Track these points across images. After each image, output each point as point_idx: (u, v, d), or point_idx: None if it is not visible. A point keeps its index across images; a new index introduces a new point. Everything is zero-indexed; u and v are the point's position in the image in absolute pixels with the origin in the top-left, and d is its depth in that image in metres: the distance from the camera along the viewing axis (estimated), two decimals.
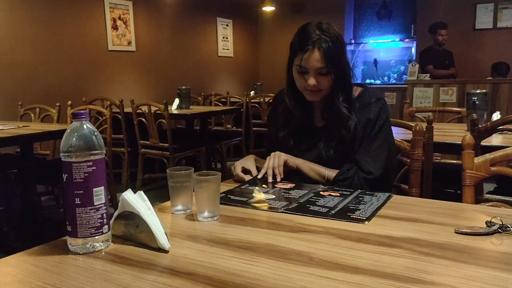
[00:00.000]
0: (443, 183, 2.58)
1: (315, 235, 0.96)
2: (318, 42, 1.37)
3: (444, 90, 4.82)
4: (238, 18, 7.06)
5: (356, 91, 1.52)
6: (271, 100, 5.22)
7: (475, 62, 5.89)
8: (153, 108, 3.93)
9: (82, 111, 0.86)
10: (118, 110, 4.13)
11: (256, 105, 5.25)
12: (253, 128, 5.27)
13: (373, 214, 1.07)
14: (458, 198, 2.51)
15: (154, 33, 5.50)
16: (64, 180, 0.85)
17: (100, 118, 3.78)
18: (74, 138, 0.85)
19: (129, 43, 5.10)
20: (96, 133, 0.87)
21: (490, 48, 5.90)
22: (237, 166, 1.45)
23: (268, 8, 6.64)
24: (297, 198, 1.22)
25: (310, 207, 1.14)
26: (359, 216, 1.06)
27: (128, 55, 5.13)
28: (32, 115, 3.67)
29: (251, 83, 6.75)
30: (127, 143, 4.17)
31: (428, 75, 5.04)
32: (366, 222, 1.02)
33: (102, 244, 0.89)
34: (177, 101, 4.49)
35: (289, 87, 1.53)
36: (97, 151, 0.86)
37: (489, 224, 0.95)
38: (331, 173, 1.44)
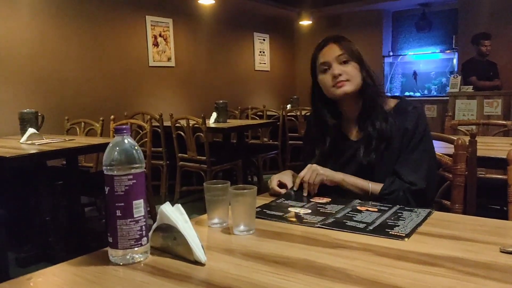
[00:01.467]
0: (488, 199, 2.47)
1: (353, 251, 0.95)
2: (333, 38, 1.47)
3: (488, 102, 4.66)
4: (275, 33, 7.13)
5: (392, 102, 1.51)
6: (307, 114, 5.22)
7: None
8: (191, 122, 4.00)
9: (123, 126, 0.89)
10: (158, 124, 4.23)
11: (293, 118, 5.26)
12: (290, 142, 5.26)
13: (413, 231, 1.04)
14: (503, 215, 2.41)
15: (192, 49, 5.63)
16: (106, 192, 0.88)
17: (140, 131, 3.89)
18: (116, 152, 0.88)
19: (169, 59, 5.24)
20: (136, 147, 0.90)
21: None
22: (273, 180, 1.46)
23: (305, 22, 6.67)
24: (334, 213, 1.21)
25: (347, 222, 1.12)
26: (398, 232, 1.03)
27: (167, 71, 5.27)
28: (77, 129, 3.83)
29: (287, 96, 6.76)
30: (165, 156, 4.27)
31: (471, 86, 4.88)
32: (406, 239, 1.00)
33: (141, 255, 0.91)
34: (214, 114, 4.55)
35: (319, 104, 1.54)
36: (137, 165, 0.89)
37: None
38: (375, 186, 1.41)
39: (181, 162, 4.22)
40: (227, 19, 6.17)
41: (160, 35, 5.09)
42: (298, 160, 5.41)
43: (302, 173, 1.42)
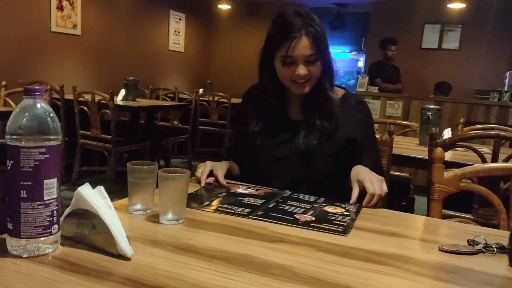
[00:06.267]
0: (394, 194, 2.60)
1: (295, 246, 0.87)
2: (304, 28, 1.29)
3: (390, 104, 4.96)
4: (192, 13, 6.88)
5: (339, 92, 1.47)
6: (220, 100, 5.11)
7: (420, 80, 6.14)
8: (97, 97, 3.68)
9: (37, 87, 0.72)
10: (58, 96, 3.83)
11: (205, 103, 5.12)
12: (200, 127, 5.12)
13: (350, 226, 1.01)
14: (408, 210, 2.54)
15: (103, 19, 5.19)
16: (9, 167, 0.70)
17: None
18: (25, 119, 0.70)
19: (75, 26, 4.77)
20: (52, 115, 0.73)
21: (435, 67, 6.18)
22: (207, 167, 1.31)
23: (224, 6, 6.52)
24: (263, 203, 1.13)
25: (280, 214, 1.05)
26: (338, 228, 0.98)
27: (72, 39, 4.80)
28: None
29: (201, 80, 6.59)
30: (64, 132, 3.87)
31: (377, 88, 5.17)
32: (347, 235, 0.95)
33: (50, 246, 0.74)
34: (123, 92, 4.26)
35: (264, 82, 1.42)
36: (52, 136, 0.72)
37: (471, 242, 0.92)
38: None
39: (82, 140, 3.87)
40: None
41: None
42: (208, 146, 5.31)
43: (369, 187, 1.19)
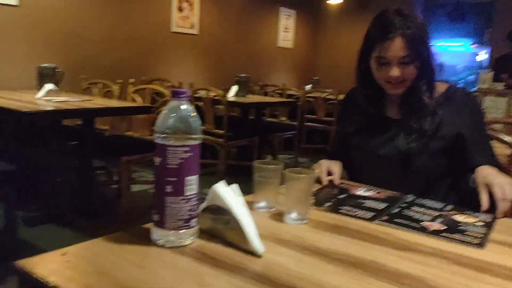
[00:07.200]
0: None
1: (425, 256, 0.83)
2: (401, 29, 1.25)
3: None
4: (302, 10, 6.89)
5: (441, 86, 1.40)
6: (327, 96, 5.07)
7: None
8: (212, 94, 3.87)
9: (183, 90, 0.77)
10: None
11: (312, 99, 5.11)
12: (306, 123, 5.13)
13: (486, 238, 0.93)
14: None
15: (217, 18, 5.44)
16: (157, 164, 0.77)
17: (158, 98, 3.76)
18: (172, 119, 0.76)
19: (193, 26, 5.07)
20: (194, 115, 0.78)
21: None
22: (323, 165, 1.33)
23: (335, 1, 6.42)
24: (386, 207, 1.10)
25: (407, 220, 1.01)
26: (472, 240, 0.91)
27: (190, 38, 5.10)
28: (94, 89, 3.70)
29: (308, 77, 6.59)
30: None
31: (503, 84, 4.70)
32: (483, 248, 0.88)
33: (189, 238, 0.80)
34: (234, 88, 4.41)
35: (360, 82, 1.42)
36: (195, 135, 0.77)
37: None
38: None
39: None
40: None
41: (185, 0, 4.91)
42: (313, 143, 5.29)
43: (497, 193, 1.10)
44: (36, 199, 2.90)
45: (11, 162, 2.39)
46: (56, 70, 3.11)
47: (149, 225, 0.82)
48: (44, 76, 3.04)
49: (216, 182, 0.86)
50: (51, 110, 2.58)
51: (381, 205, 1.12)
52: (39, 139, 2.93)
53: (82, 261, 0.74)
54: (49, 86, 2.97)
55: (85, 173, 3.07)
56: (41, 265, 0.70)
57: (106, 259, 0.74)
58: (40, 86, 3.02)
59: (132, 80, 3.63)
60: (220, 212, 0.82)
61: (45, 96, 2.91)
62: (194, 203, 0.79)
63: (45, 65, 3.09)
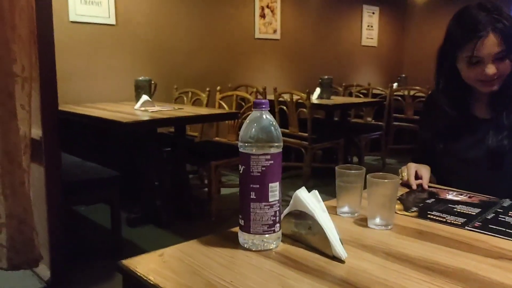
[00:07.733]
0: None
1: None
2: (491, 24, 1.19)
3: None
4: (386, 6, 6.67)
5: None
6: (416, 94, 4.85)
7: None
8: (295, 97, 3.91)
9: (263, 101, 0.81)
10: (261, 97, 4.20)
11: (399, 98, 4.92)
12: (394, 123, 4.95)
13: None
14: None
15: (298, 22, 5.47)
16: (241, 172, 0.81)
17: (243, 104, 3.89)
18: (253, 129, 0.80)
19: (275, 31, 5.15)
20: (275, 124, 0.82)
21: None
22: (410, 169, 1.29)
23: None
24: (479, 212, 1.04)
25: (504, 227, 0.95)
26: None
27: (272, 43, 5.19)
28: (184, 98, 3.93)
29: (394, 75, 6.36)
30: None
31: None
32: None
33: (273, 242, 0.83)
34: (318, 90, 4.40)
35: (443, 84, 1.36)
36: (276, 144, 0.80)
37: None
38: None
39: None
40: None
41: (267, 7, 5.01)
42: (402, 143, 5.09)
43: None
44: (137, 201, 3.15)
45: (115, 168, 2.62)
46: (150, 82, 3.36)
47: (236, 229, 0.87)
48: (140, 88, 3.29)
49: (302, 185, 0.89)
50: (147, 120, 2.80)
51: (474, 210, 1.06)
52: (137, 147, 3.18)
53: (177, 261, 0.81)
54: (145, 97, 3.22)
55: (179, 177, 3.27)
56: (142, 264, 0.78)
57: (198, 260, 0.80)
58: (137, 97, 3.28)
59: (219, 87, 3.79)
60: (303, 217, 0.84)
61: (141, 106, 3.16)
62: (277, 209, 0.82)
63: (141, 78, 3.35)
